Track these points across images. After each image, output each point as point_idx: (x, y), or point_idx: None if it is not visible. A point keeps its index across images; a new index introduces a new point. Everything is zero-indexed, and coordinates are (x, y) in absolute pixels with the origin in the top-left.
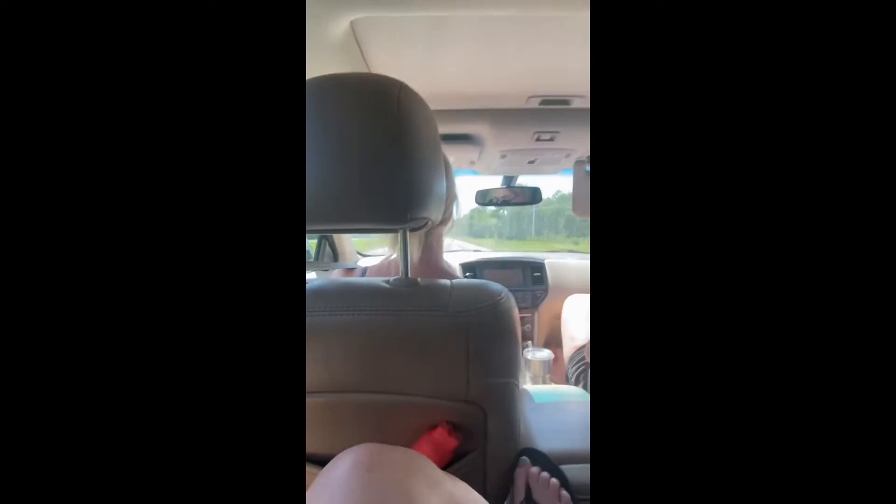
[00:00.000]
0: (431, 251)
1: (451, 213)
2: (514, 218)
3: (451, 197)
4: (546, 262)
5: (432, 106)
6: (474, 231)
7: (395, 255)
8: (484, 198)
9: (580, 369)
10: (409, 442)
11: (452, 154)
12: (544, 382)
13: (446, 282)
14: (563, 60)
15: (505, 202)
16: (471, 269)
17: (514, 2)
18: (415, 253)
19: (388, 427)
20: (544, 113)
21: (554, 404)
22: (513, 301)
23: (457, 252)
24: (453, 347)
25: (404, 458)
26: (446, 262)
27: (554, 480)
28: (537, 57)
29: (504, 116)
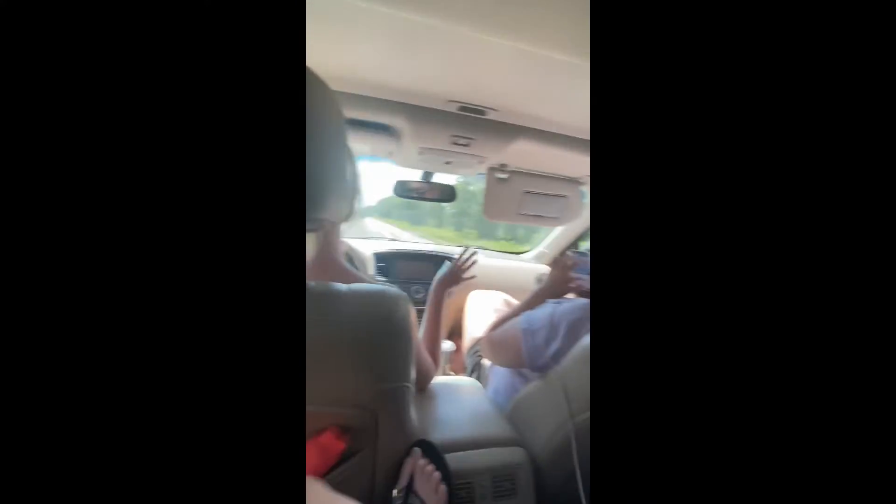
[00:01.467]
0: (330, 250)
1: (353, 208)
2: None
3: (353, 192)
4: (455, 257)
5: (346, 88)
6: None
7: None
8: (402, 189)
9: (476, 359)
10: None
11: (369, 142)
12: (444, 373)
13: (341, 287)
14: (482, 75)
15: (422, 196)
16: (384, 259)
17: (436, 12)
18: (309, 252)
19: None
20: (461, 118)
21: (449, 395)
22: (410, 306)
23: (371, 239)
24: (342, 355)
25: None
26: (347, 256)
27: (437, 474)
28: (458, 65)
29: (423, 114)
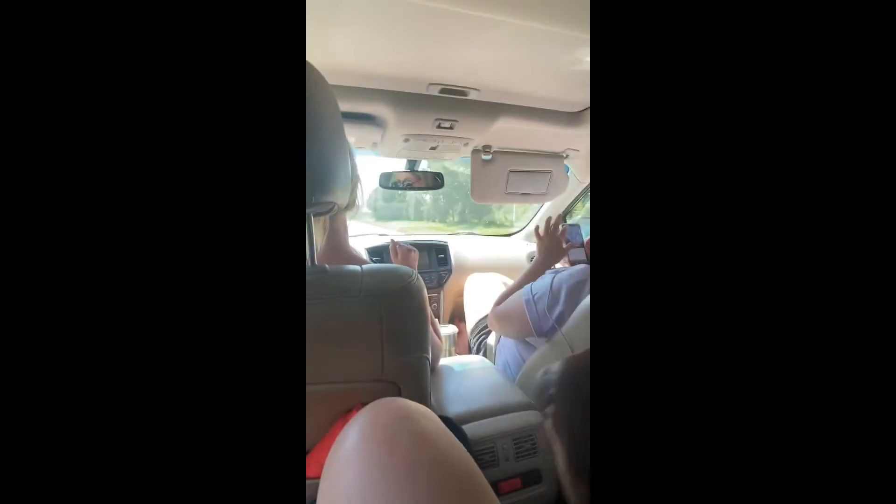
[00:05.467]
0: (338, 237)
1: (355, 196)
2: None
3: (353, 179)
4: (449, 244)
5: (330, 80)
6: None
7: None
8: (387, 180)
9: (481, 339)
10: (326, 428)
11: (354, 134)
12: (450, 355)
13: (356, 267)
14: (462, 54)
15: (408, 186)
16: (377, 253)
17: None
18: (319, 239)
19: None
20: (444, 101)
21: (460, 372)
22: (422, 282)
23: (362, 236)
24: (367, 330)
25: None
26: (353, 248)
27: None
28: (437, 47)
29: (406, 100)
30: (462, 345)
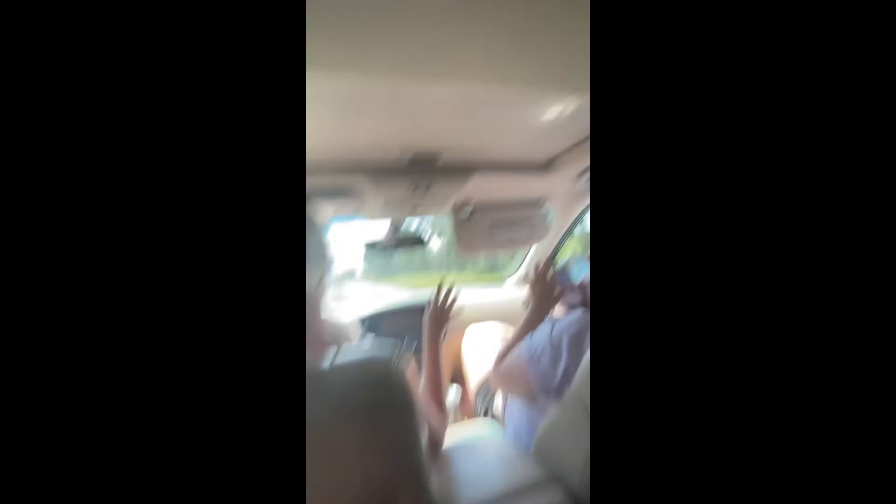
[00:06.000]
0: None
1: (325, 276)
2: None
3: (326, 259)
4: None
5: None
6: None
7: None
8: (373, 248)
9: (487, 402)
10: None
11: (334, 204)
12: (455, 420)
13: (323, 366)
14: (427, 121)
15: (394, 248)
16: (371, 321)
17: (377, 70)
18: None
19: None
20: (415, 166)
21: (467, 449)
22: (404, 364)
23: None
24: (342, 440)
25: None
26: (331, 325)
27: None
28: (402, 116)
29: (378, 169)
30: (467, 406)
